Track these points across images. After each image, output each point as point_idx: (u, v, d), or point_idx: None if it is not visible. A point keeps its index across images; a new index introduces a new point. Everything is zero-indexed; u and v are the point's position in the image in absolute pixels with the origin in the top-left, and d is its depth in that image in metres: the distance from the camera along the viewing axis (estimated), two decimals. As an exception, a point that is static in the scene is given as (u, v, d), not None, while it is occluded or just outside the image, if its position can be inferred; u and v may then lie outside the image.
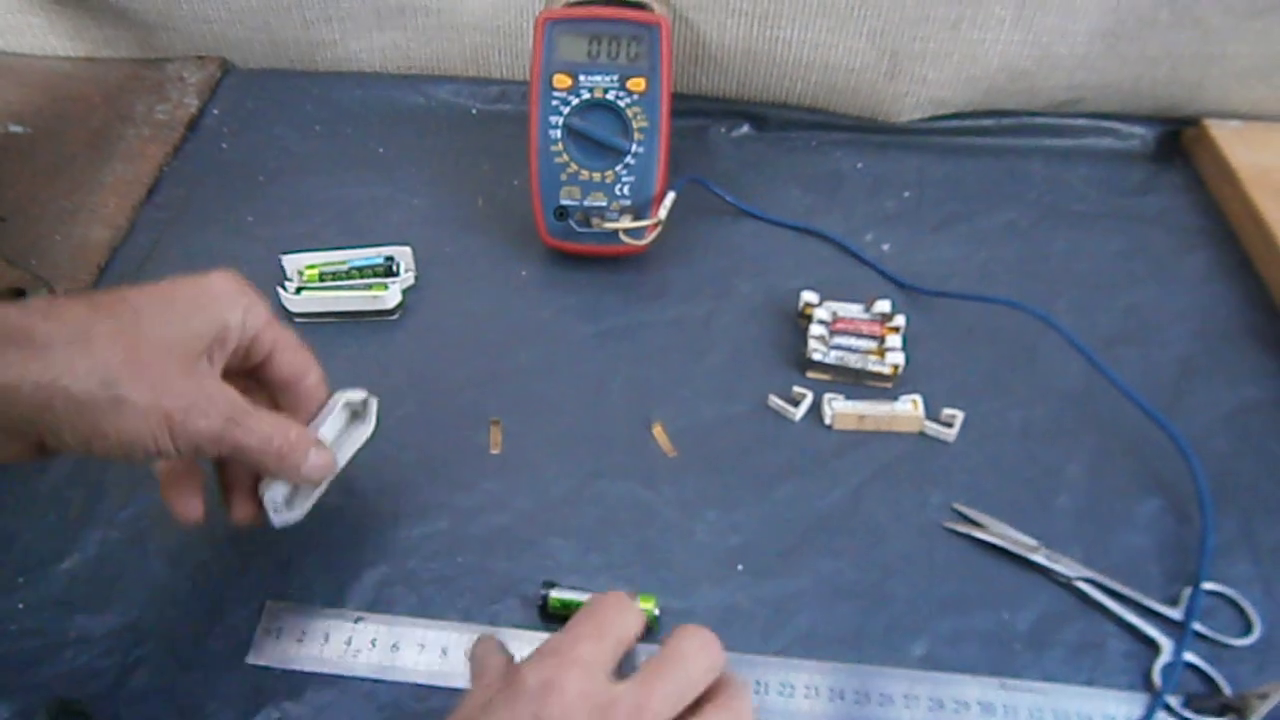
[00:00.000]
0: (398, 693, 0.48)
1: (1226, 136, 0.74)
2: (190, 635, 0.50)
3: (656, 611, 0.50)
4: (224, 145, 0.75)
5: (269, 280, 0.64)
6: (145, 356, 0.41)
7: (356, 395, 0.50)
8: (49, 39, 0.80)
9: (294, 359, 0.48)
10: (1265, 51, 0.71)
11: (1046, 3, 0.69)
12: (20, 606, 0.50)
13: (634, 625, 0.41)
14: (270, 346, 0.47)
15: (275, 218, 0.70)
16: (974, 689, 0.48)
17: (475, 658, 0.42)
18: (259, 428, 0.44)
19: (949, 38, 0.70)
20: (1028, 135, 0.77)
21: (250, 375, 0.48)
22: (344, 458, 0.50)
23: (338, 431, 0.50)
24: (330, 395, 0.49)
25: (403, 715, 0.47)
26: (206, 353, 0.44)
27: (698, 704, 0.39)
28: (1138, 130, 0.76)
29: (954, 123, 0.77)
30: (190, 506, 0.47)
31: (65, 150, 0.73)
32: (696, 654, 0.40)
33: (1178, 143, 0.77)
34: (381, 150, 0.75)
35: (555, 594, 0.50)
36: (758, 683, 0.48)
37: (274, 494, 0.47)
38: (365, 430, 0.51)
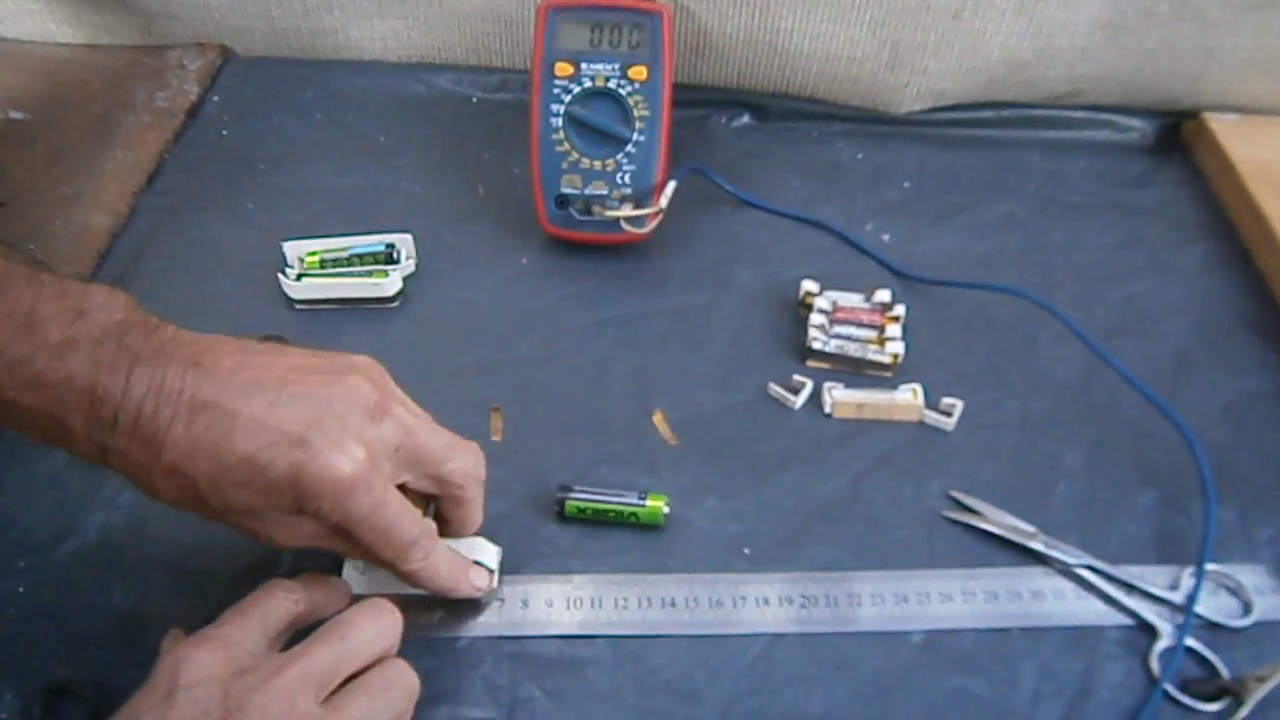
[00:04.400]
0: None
1: (1225, 130, 0.74)
2: (190, 620, 0.49)
3: (666, 509, 0.52)
4: (224, 132, 0.75)
5: (269, 267, 0.64)
6: None
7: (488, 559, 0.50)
8: (49, 25, 0.80)
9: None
10: (1264, 45, 0.72)
11: (1047, -6, 0.69)
12: (20, 590, 0.50)
13: (283, 604, 0.44)
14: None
15: (275, 205, 0.70)
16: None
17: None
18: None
19: (950, 28, 0.70)
20: (1027, 127, 0.77)
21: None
22: None
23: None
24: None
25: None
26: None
27: (356, 677, 0.41)
28: (1136, 123, 0.77)
29: (954, 114, 0.77)
30: None
31: (65, 137, 0.73)
32: (362, 626, 0.42)
33: (1177, 136, 0.77)
34: (382, 138, 0.75)
35: (572, 499, 0.52)
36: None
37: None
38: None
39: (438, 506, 0.49)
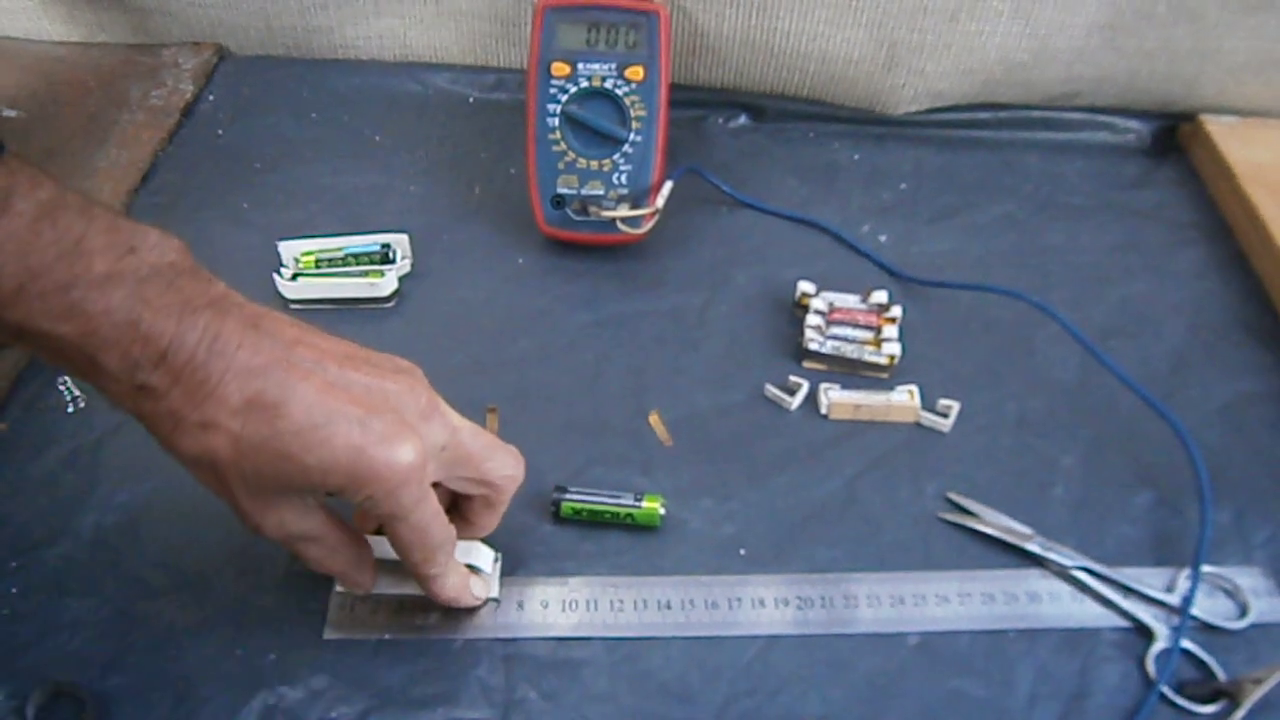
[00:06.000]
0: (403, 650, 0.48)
1: (1222, 132, 0.74)
2: (183, 621, 0.49)
3: (662, 510, 0.52)
4: (219, 132, 0.75)
5: (265, 267, 0.64)
6: None
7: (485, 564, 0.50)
8: (43, 23, 0.79)
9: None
10: (1261, 47, 0.72)
11: (1045, -4, 0.69)
12: (13, 591, 0.50)
13: None
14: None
15: (271, 205, 0.69)
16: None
17: None
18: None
19: (947, 30, 0.70)
20: (1024, 129, 0.77)
21: None
22: None
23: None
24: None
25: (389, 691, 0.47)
26: None
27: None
28: (1133, 125, 0.77)
29: (951, 115, 0.77)
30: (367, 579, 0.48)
31: (59, 135, 0.72)
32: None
33: (1173, 138, 0.77)
34: (378, 138, 0.75)
35: (568, 500, 0.53)
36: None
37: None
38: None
39: (463, 508, 0.48)
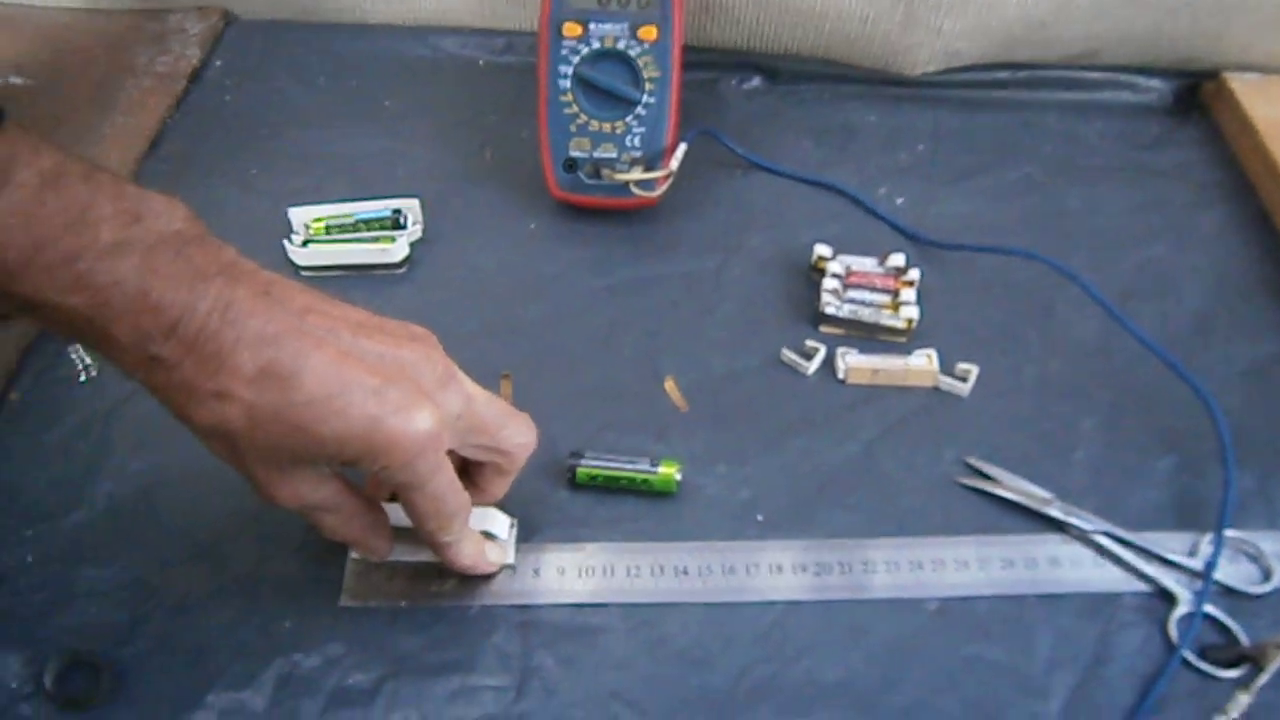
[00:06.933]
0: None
1: (1246, 90, 0.72)
2: (199, 590, 0.49)
3: (678, 476, 0.52)
4: (227, 97, 0.74)
5: (274, 233, 0.63)
6: None
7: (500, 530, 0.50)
8: (48, -11, 0.79)
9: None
10: (1287, 2, 0.70)
11: (1066, -50, 0.67)
12: (29, 560, 0.50)
13: None
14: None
15: (280, 170, 0.69)
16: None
17: None
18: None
19: (965, -14, 0.69)
20: (1043, 89, 0.76)
21: None
22: None
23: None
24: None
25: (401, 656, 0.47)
26: None
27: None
28: (1155, 84, 0.75)
29: (969, 75, 0.75)
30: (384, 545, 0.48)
31: (66, 102, 0.72)
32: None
33: (1196, 96, 0.75)
34: (387, 103, 0.74)
35: (583, 466, 0.52)
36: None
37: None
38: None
39: (474, 474, 0.48)
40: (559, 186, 0.65)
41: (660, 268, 0.64)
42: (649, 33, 0.61)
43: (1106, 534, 0.51)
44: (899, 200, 0.68)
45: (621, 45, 0.62)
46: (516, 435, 0.47)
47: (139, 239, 0.39)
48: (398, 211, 0.63)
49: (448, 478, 0.43)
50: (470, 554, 0.47)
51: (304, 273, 0.62)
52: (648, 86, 0.62)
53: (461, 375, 0.45)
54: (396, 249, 0.61)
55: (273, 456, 0.41)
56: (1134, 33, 0.72)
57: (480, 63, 0.78)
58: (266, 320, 0.40)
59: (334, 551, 0.50)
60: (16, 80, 0.73)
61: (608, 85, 0.62)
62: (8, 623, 0.48)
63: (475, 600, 0.49)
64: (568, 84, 0.63)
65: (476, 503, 0.48)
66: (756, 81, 0.76)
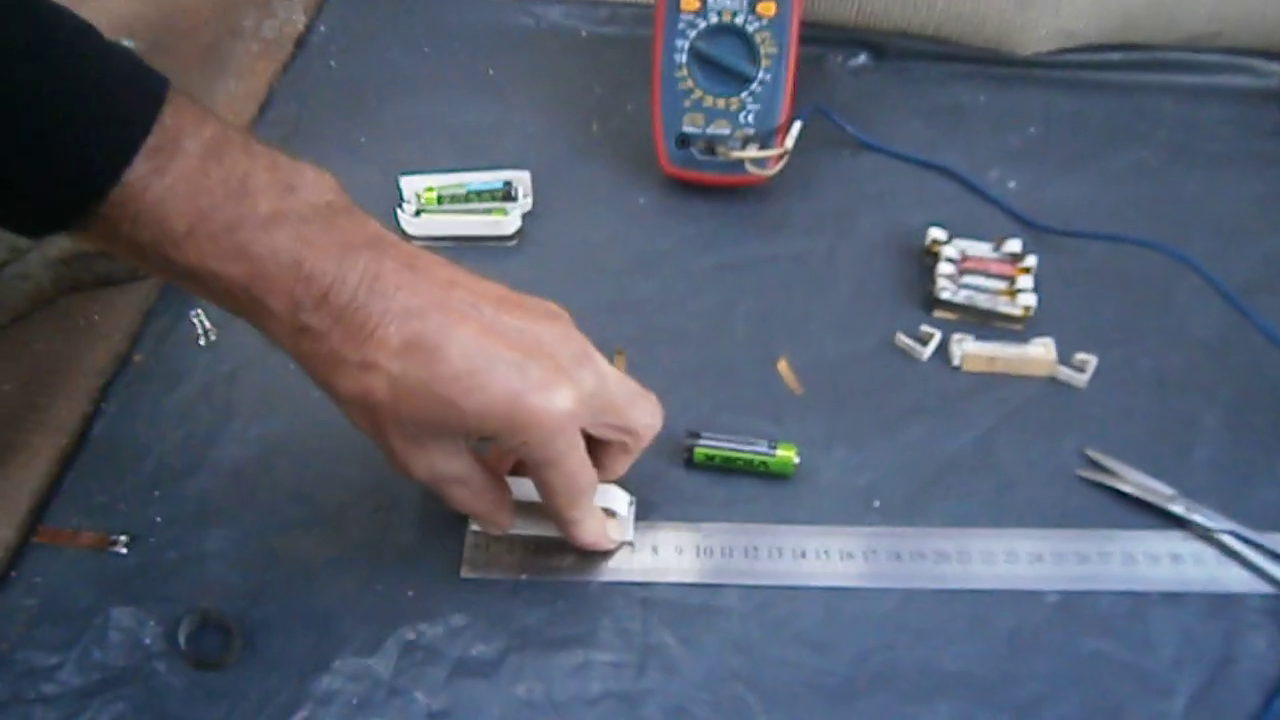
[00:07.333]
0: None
1: (1373, 77, 0.70)
2: (322, 555, 0.50)
3: (796, 459, 0.52)
4: (332, 63, 0.74)
5: (386, 202, 0.63)
6: None
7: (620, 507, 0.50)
8: (155, -50, 0.79)
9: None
10: None
11: (1195, -72, 0.65)
12: (157, 519, 0.51)
13: None
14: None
15: (388, 138, 0.69)
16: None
17: None
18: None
19: (1087, -36, 0.67)
20: (1158, 71, 0.74)
21: None
22: None
23: None
24: None
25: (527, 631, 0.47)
26: None
27: None
28: (1277, 68, 0.73)
29: (1080, 56, 0.74)
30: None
31: (177, 65, 0.71)
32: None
33: (1320, 82, 0.73)
34: (491, 72, 0.74)
35: (701, 446, 0.52)
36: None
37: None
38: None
39: (597, 452, 0.48)
40: (671, 162, 0.64)
41: (771, 247, 0.63)
42: (767, 8, 0.61)
43: (1231, 533, 0.50)
44: (1010, 184, 0.67)
45: (739, 20, 0.61)
46: (645, 416, 0.47)
47: (293, 210, 0.39)
48: (508, 183, 0.63)
49: (580, 456, 0.44)
50: (593, 531, 0.48)
51: (415, 242, 0.61)
52: (764, 63, 0.61)
53: (596, 354, 0.45)
54: (509, 221, 0.62)
55: (412, 429, 0.42)
56: (1261, 13, 0.70)
57: (583, 33, 0.77)
58: (412, 293, 0.40)
59: (452, 523, 0.51)
60: (129, 43, 0.73)
61: (724, 61, 0.62)
62: (141, 580, 0.49)
63: (595, 576, 0.49)
64: (683, 59, 0.62)
65: (599, 480, 0.48)
66: (863, 59, 0.75)
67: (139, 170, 0.36)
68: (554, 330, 0.43)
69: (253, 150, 0.39)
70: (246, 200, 0.38)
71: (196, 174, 0.37)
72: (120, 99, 0.37)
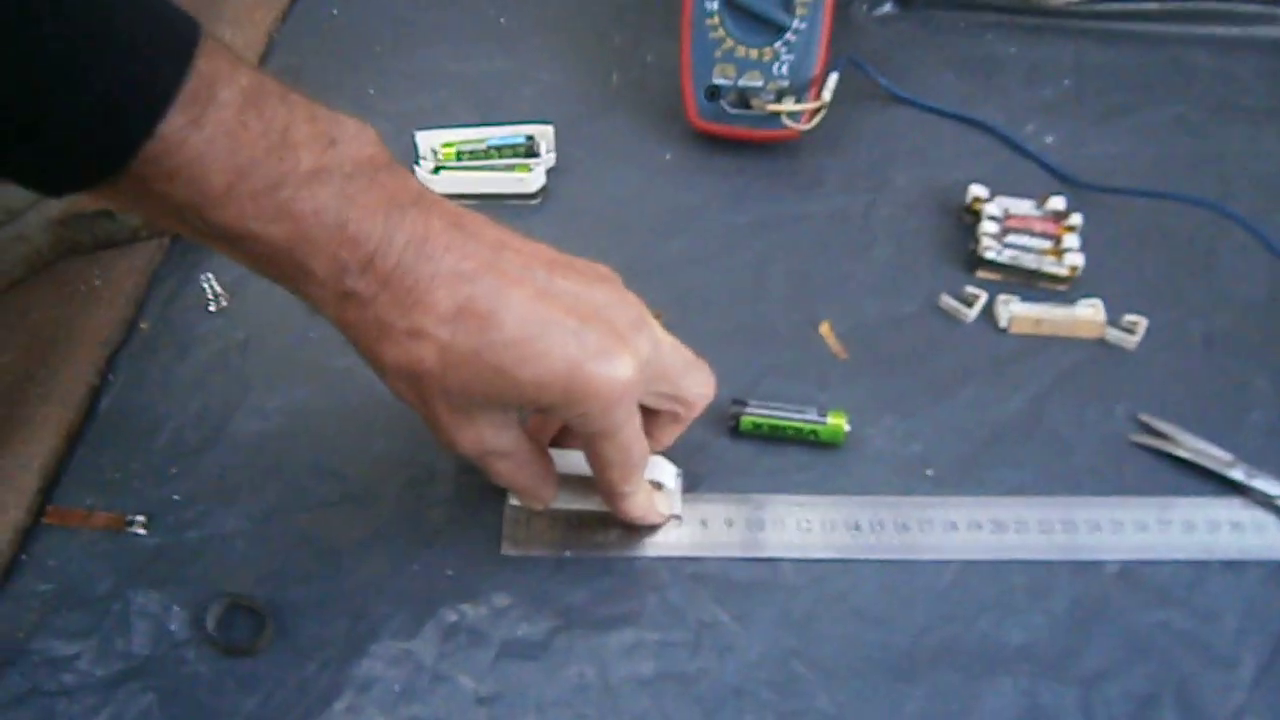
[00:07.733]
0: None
1: None
2: (353, 534, 0.47)
3: (847, 427, 0.50)
4: (334, 11, 0.71)
5: (400, 157, 0.59)
6: None
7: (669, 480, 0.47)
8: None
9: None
10: None
11: None
12: (175, 498, 0.48)
13: None
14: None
15: (398, 91, 0.65)
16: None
17: None
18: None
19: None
20: (1192, 21, 0.72)
21: None
22: None
23: None
24: None
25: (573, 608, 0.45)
26: None
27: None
28: (1315, 18, 0.71)
29: (1113, 6, 0.71)
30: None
31: (168, 11, 0.68)
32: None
33: (1358, 32, 0.71)
34: (502, 20, 0.70)
35: (748, 414, 0.50)
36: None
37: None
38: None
39: (646, 422, 0.46)
40: (700, 115, 0.61)
41: (805, 205, 0.61)
42: (804, -48, 0.58)
43: (1294, 499, 0.49)
44: (1048, 139, 0.65)
45: (774, -35, 0.58)
46: (698, 385, 0.45)
47: (336, 165, 0.36)
48: (531, 138, 0.60)
49: (636, 427, 0.41)
50: (643, 505, 0.45)
51: (433, 201, 0.59)
52: (799, 11, 0.59)
53: (651, 319, 0.42)
54: (533, 178, 0.59)
55: (462, 399, 0.39)
56: (1300, -36, 0.68)
57: (597, -21, 0.74)
58: (462, 255, 0.38)
59: (488, 497, 0.48)
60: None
61: (757, 8, 0.59)
62: (162, 563, 0.46)
63: (641, 551, 0.47)
64: (714, 6, 0.59)
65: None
66: (889, 7, 0.73)
67: (175, 122, 0.33)
68: (608, 294, 0.40)
69: (290, 100, 0.36)
70: (289, 155, 0.35)
71: (235, 126, 0.34)
72: (151, 41, 0.33)
